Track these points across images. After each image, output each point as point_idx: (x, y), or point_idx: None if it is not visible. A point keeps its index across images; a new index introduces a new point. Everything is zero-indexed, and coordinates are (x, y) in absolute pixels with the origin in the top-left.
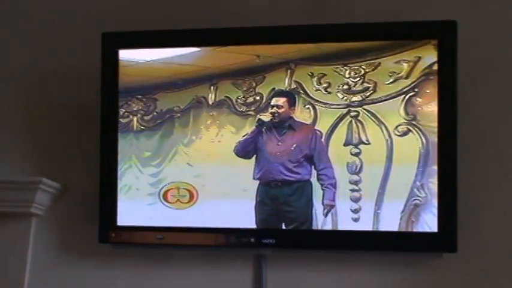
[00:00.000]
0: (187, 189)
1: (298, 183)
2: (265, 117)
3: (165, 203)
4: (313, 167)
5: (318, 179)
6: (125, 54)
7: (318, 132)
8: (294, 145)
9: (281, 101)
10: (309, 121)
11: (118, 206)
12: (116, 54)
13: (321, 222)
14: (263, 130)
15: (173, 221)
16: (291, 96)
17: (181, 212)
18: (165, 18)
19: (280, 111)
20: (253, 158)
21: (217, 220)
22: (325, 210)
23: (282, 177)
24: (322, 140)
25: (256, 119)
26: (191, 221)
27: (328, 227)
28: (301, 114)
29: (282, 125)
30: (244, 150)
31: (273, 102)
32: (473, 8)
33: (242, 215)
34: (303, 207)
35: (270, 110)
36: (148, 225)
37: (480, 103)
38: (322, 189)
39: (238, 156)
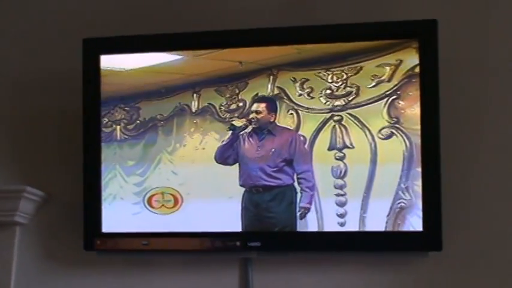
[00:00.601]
0: (171, 194)
1: (278, 189)
2: (238, 122)
3: (150, 209)
4: (293, 171)
5: (298, 183)
6: (107, 62)
7: (298, 136)
8: (273, 150)
9: (261, 106)
10: (292, 126)
11: (103, 213)
12: (98, 60)
13: (304, 227)
14: (240, 135)
15: (158, 226)
16: (271, 102)
17: (166, 217)
18: (147, 23)
19: (259, 116)
20: (237, 164)
21: (203, 224)
22: (300, 213)
23: (263, 183)
24: (306, 145)
25: (229, 124)
26: (176, 226)
27: (314, 230)
28: (285, 120)
29: (262, 130)
30: (222, 156)
31: (253, 107)
32: (454, 7)
33: (228, 220)
34: (284, 213)
35: (250, 115)
36: (133, 231)
37: (463, 104)
38: (300, 193)
39: (217, 162)
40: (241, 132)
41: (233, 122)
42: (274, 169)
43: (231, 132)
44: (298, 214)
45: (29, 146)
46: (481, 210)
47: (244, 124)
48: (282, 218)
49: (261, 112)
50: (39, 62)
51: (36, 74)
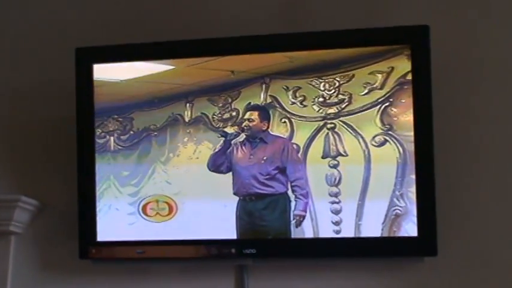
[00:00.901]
0: (166, 202)
1: (272, 197)
2: (229, 129)
3: (144, 217)
4: (287, 179)
5: (292, 191)
6: (100, 73)
7: (291, 144)
8: (265, 158)
9: (254, 114)
10: (285, 135)
11: (98, 222)
12: (91, 69)
13: (299, 235)
14: (233, 144)
15: (153, 234)
16: (263, 110)
17: (161, 225)
18: (139, 32)
19: (251, 124)
20: (230, 172)
21: (198, 232)
22: (295, 221)
23: (255, 191)
24: (299, 153)
25: (221, 131)
26: (171, 233)
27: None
28: (278, 128)
29: (254, 138)
30: (214, 164)
31: (246, 116)
32: (445, 13)
33: (223, 227)
34: (277, 221)
35: (242, 124)
36: (128, 240)
37: (455, 110)
38: (295, 201)
39: (210, 170)
40: (234, 141)
41: (225, 129)
42: (267, 177)
43: (222, 139)
44: (293, 222)
45: (23, 156)
46: (475, 216)
47: (236, 131)
48: (276, 226)
49: (253, 120)
50: (33, 71)
51: (30, 84)
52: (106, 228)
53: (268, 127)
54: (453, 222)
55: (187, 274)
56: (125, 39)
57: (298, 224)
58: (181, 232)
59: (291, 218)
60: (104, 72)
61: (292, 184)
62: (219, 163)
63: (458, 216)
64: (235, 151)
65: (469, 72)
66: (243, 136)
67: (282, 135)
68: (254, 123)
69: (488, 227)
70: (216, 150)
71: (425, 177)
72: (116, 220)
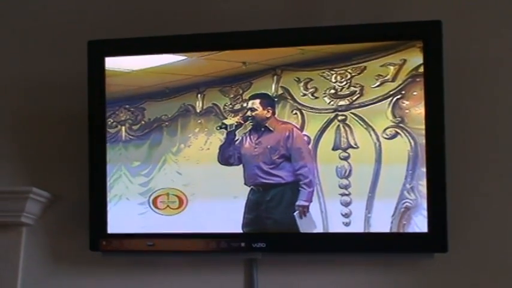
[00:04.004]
0: (176, 195)
1: (278, 187)
2: (229, 120)
3: (155, 210)
4: (293, 168)
5: (297, 180)
6: (112, 63)
7: (296, 129)
8: (269, 146)
9: (255, 103)
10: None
11: (108, 214)
12: (103, 62)
13: (309, 226)
14: (238, 134)
15: (163, 227)
16: (264, 97)
17: (171, 218)
18: (151, 25)
19: (254, 113)
20: (241, 165)
21: (208, 225)
22: (298, 212)
23: (261, 181)
24: (310, 145)
25: (220, 123)
26: (181, 227)
27: (319, 230)
28: (289, 120)
29: (260, 127)
30: (223, 157)
31: (248, 106)
32: (458, 8)
33: (233, 220)
34: (284, 212)
35: (246, 113)
36: (138, 232)
37: (467, 104)
38: (298, 190)
39: (221, 164)
40: (239, 131)
41: (224, 121)
42: (271, 166)
43: (224, 131)
44: (296, 213)
45: (35, 147)
46: (487, 211)
47: (237, 122)
48: (282, 218)
49: (255, 109)
50: (45, 63)
51: (42, 76)
52: (116, 220)
53: (273, 113)
54: (464, 218)
55: (197, 267)
56: (137, 33)
57: (302, 214)
58: (191, 225)
59: (295, 209)
60: (115, 62)
61: (297, 172)
62: (227, 155)
63: (469, 212)
64: (243, 142)
65: (482, 66)
66: (249, 126)
67: (288, 121)
68: (257, 111)
69: (500, 223)
70: (222, 143)
71: (436, 170)
72: (127, 211)
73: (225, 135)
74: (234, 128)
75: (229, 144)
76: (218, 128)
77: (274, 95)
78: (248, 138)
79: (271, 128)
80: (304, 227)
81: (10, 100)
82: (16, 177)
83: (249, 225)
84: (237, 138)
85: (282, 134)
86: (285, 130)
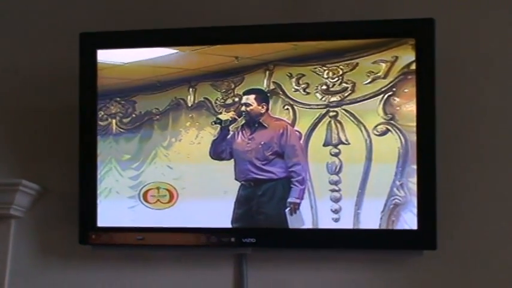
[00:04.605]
0: (167, 189)
1: (270, 182)
2: (224, 116)
3: (145, 203)
4: (285, 164)
5: (289, 177)
6: (103, 56)
7: (290, 127)
8: (262, 142)
9: (250, 99)
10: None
11: (98, 208)
12: (95, 55)
13: (298, 222)
14: (233, 130)
15: (153, 221)
16: (259, 93)
17: (162, 212)
18: (144, 18)
19: (248, 109)
20: (232, 159)
21: (198, 220)
22: (289, 209)
23: (253, 177)
24: (301, 141)
25: (215, 118)
26: (171, 221)
27: (308, 226)
28: (280, 115)
29: (253, 123)
30: (216, 152)
31: (242, 100)
32: (451, 6)
33: (223, 215)
34: (275, 208)
35: (241, 109)
36: (128, 226)
37: (459, 101)
38: (290, 187)
39: (213, 159)
40: (233, 127)
41: (219, 116)
42: (264, 162)
43: (219, 126)
44: (287, 210)
45: (25, 140)
46: (477, 209)
47: (232, 117)
48: (273, 214)
49: (250, 104)
50: (36, 55)
51: (32, 68)
52: (106, 214)
53: (267, 109)
54: (453, 215)
55: (187, 262)
56: (130, 25)
57: (293, 211)
58: (181, 220)
59: (286, 206)
60: (107, 55)
61: (290, 170)
62: (219, 150)
63: (458, 209)
64: (235, 137)
65: (474, 64)
66: (242, 121)
67: (281, 118)
68: (251, 107)
69: (489, 221)
70: (215, 137)
71: (427, 168)
72: (117, 204)
73: (218, 130)
74: (228, 123)
75: (222, 139)
76: (213, 123)
77: (266, 90)
78: (240, 133)
79: (265, 125)
80: (293, 223)
81: (0, 92)
82: (6, 170)
83: (239, 220)
84: (230, 133)
85: (276, 131)
86: (279, 127)
